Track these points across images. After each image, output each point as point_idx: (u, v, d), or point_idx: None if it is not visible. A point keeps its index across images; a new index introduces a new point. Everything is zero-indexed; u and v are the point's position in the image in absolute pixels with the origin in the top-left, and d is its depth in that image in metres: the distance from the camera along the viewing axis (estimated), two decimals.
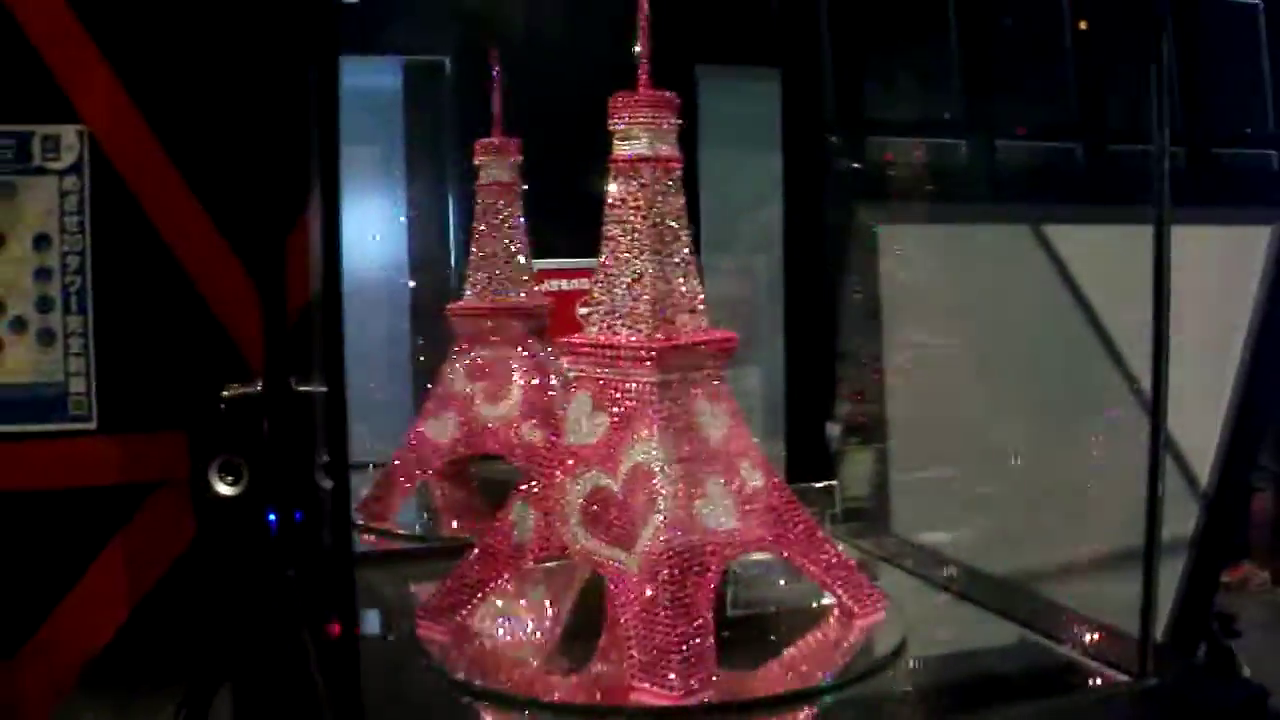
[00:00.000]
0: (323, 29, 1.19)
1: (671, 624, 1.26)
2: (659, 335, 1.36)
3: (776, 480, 1.46)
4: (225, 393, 1.67)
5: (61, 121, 2.06)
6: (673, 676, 1.25)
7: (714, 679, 1.29)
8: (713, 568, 1.33)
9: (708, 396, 1.41)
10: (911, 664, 1.40)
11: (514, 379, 1.85)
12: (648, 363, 1.34)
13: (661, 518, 1.32)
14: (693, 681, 1.26)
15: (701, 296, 1.43)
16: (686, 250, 1.41)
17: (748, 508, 1.40)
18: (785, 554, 1.45)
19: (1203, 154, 4.55)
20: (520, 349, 1.88)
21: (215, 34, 2.08)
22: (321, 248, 1.05)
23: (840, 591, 1.47)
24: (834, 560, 1.48)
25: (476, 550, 1.48)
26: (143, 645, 2.12)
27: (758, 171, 2.28)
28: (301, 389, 1.64)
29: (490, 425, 1.86)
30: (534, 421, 1.83)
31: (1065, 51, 4.23)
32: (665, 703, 1.25)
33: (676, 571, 1.29)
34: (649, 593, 1.29)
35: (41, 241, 2.07)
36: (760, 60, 2.34)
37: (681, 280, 1.40)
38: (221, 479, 1.67)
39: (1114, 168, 3.84)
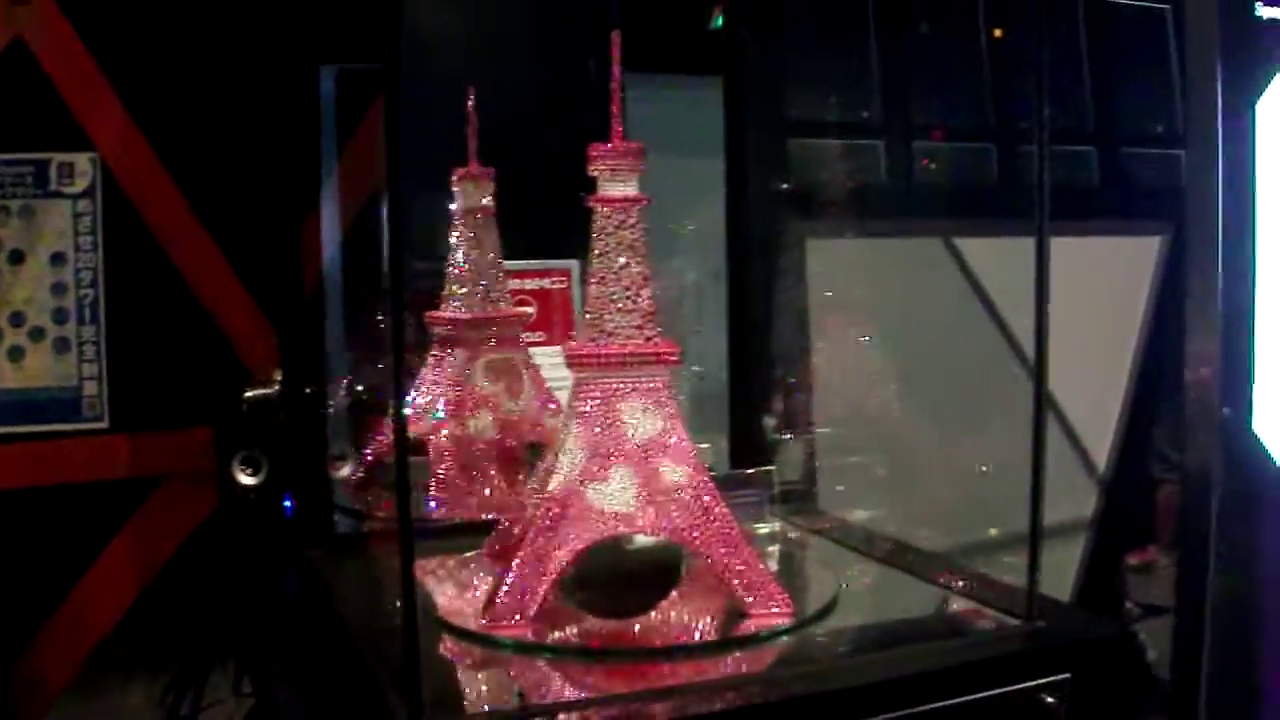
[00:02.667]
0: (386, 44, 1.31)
1: (509, 567, 1.55)
2: (589, 345, 1.60)
3: (704, 482, 1.60)
4: (246, 394, 1.89)
5: (76, 150, 2.27)
6: (495, 606, 1.52)
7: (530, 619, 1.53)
8: (577, 537, 1.55)
9: (639, 398, 1.60)
10: (839, 614, 1.64)
11: (524, 376, 2.08)
12: (573, 367, 1.61)
13: (548, 489, 1.57)
14: (510, 617, 1.52)
15: (650, 312, 1.60)
16: (638, 274, 1.60)
17: (652, 498, 1.57)
18: (687, 545, 1.59)
19: (1113, 155, 4.78)
20: (519, 349, 2.11)
21: (218, 68, 2.29)
22: (388, 259, 1.25)
23: (739, 591, 1.58)
24: (743, 562, 1.59)
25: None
26: (151, 623, 2.33)
27: (683, 179, 2.29)
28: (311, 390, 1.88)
29: (516, 418, 2.07)
30: (551, 408, 2.07)
31: (981, 56, 4.46)
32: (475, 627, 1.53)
33: (539, 530, 1.55)
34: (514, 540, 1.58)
35: (57, 259, 2.28)
36: (693, 69, 2.49)
37: (626, 300, 1.60)
38: (243, 470, 1.88)
39: (1026, 169, 4.08)
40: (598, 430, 1.59)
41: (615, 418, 1.59)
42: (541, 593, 1.53)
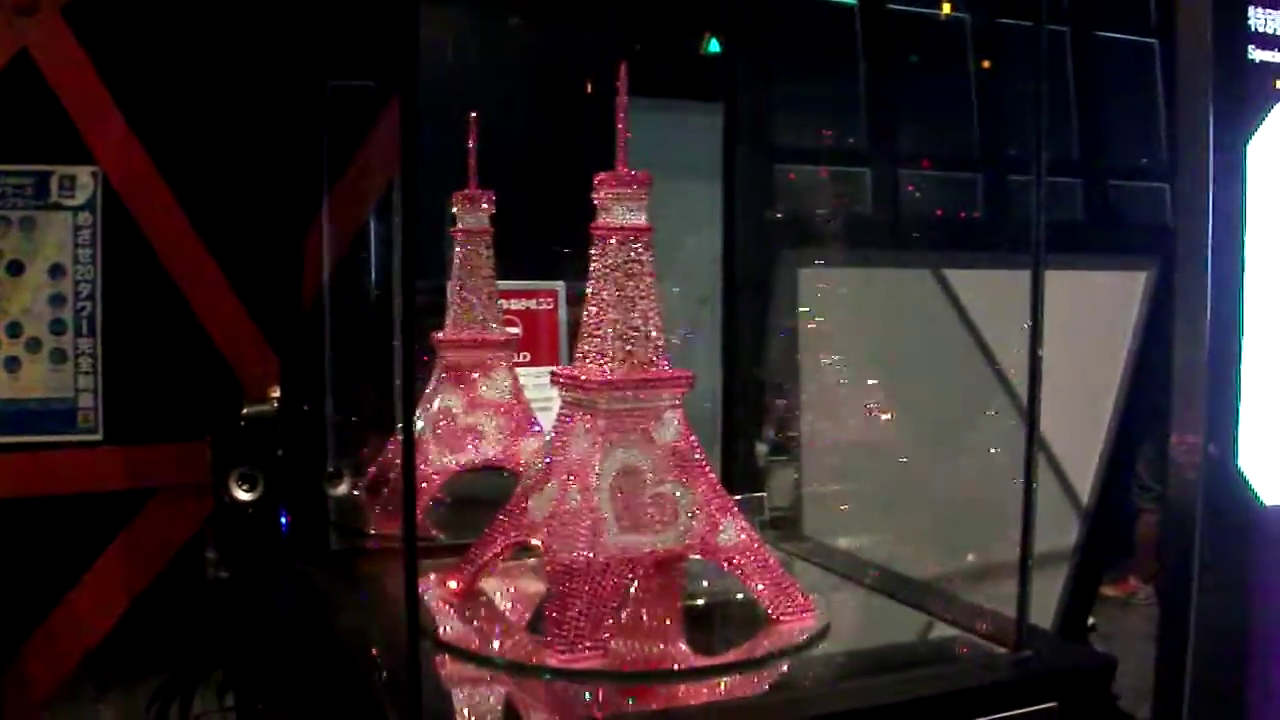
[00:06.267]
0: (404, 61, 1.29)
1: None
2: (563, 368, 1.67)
3: (593, 513, 1.56)
4: (245, 410, 1.90)
5: (77, 163, 2.29)
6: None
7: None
8: (502, 537, 1.68)
9: (584, 422, 1.63)
10: (829, 641, 1.67)
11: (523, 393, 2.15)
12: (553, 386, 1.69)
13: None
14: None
15: (607, 339, 1.60)
16: (606, 300, 1.61)
17: (554, 517, 1.61)
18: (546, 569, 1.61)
19: (1099, 187, 4.81)
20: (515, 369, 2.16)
21: (218, 84, 2.32)
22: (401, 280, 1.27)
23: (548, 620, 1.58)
24: (558, 610, 1.54)
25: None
26: (139, 635, 2.33)
27: (679, 204, 2.24)
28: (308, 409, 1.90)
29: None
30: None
31: (969, 88, 4.51)
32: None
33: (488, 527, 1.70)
34: None
35: (56, 270, 2.29)
36: (696, 95, 2.50)
37: (591, 325, 1.62)
38: (240, 486, 1.90)
39: (1012, 198, 4.11)
40: (555, 446, 1.65)
41: (566, 436, 1.65)
42: (472, 577, 1.71)
